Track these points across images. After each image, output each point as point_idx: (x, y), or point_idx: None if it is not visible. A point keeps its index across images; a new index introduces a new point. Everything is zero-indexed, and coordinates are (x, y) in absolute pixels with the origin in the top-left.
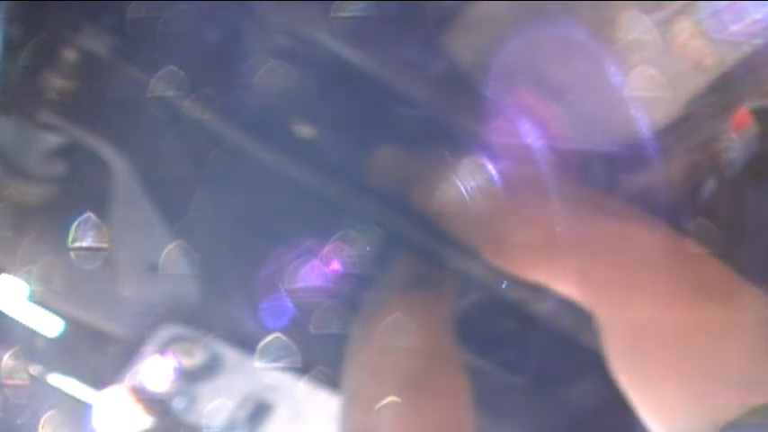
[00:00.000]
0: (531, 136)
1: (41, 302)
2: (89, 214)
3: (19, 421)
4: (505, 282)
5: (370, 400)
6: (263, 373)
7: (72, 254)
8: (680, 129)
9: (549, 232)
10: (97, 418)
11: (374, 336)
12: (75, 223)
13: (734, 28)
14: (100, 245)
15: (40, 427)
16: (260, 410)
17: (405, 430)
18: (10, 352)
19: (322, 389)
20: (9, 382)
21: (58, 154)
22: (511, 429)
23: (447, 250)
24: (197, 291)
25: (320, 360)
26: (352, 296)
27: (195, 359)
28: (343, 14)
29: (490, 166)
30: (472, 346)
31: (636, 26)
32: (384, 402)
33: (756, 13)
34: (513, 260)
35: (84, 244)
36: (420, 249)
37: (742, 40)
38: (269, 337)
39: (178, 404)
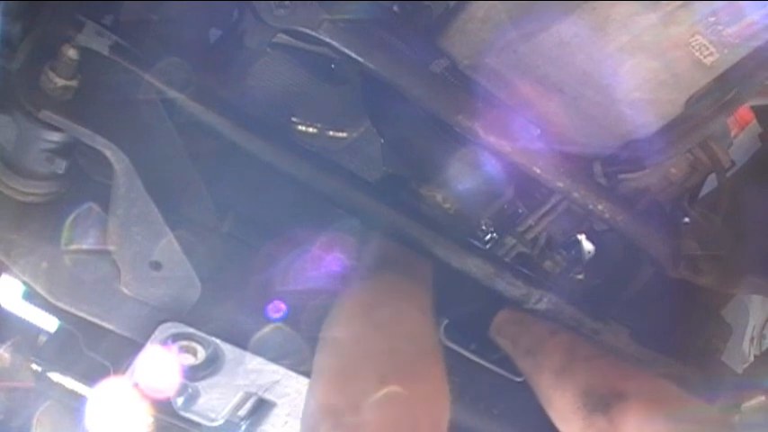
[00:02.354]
0: (530, 136)
1: (43, 299)
2: (90, 212)
3: (20, 416)
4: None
5: (353, 386)
6: (262, 371)
7: (73, 253)
8: (680, 129)
9: None
10: (96, 413)
11: (352, 321)
12: (77, 222)
13: (733, 28)
14: (101, 244)
15: (38, 420)
16: (259, 407)
17: (387, 414)
18: (11, 348)
19: None
20: (11, 377)
21: (59, 152)
22: (510, 429)
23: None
24: (197, 290)
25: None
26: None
27: (195, 356)
28: (342, 15)
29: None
30: (471, 346)
31: (636, 26)
32: (368, 390)
33: (755, 13)
34: None
35: (85, 243)
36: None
37: (741, 40)
38: (268, 332)
39: (177, 400)
